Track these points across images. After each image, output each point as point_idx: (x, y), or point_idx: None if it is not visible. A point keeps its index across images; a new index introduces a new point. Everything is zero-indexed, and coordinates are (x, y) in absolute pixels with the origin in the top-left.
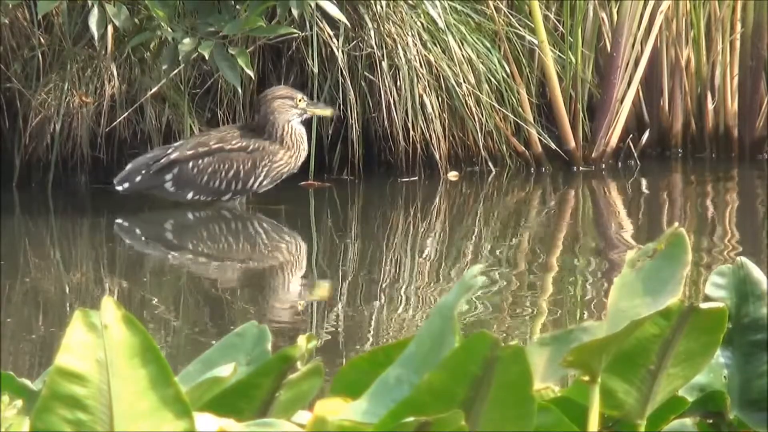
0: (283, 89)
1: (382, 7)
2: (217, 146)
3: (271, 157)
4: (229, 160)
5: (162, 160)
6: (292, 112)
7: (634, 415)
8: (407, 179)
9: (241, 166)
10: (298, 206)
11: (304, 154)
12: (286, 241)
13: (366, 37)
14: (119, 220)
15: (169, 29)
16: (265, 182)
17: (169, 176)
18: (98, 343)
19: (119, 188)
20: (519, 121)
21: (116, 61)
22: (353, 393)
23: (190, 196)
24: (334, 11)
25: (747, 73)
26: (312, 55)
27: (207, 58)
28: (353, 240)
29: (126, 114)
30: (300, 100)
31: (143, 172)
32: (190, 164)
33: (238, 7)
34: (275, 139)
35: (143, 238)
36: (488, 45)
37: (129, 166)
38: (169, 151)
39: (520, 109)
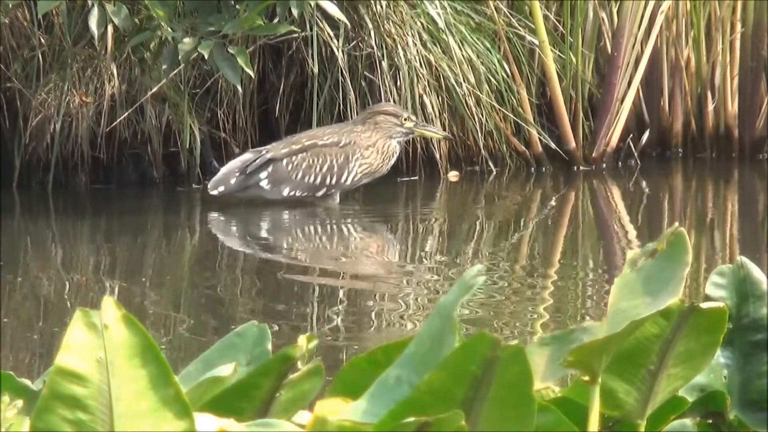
0: (390, 106)
1: (382, 7)
2: (310, 142)
3: (362, 152)
4: (323, 155)
5: (257, 161)
6: (396, 130)
7: (634, 415)
8: (407, 179)
9: (335, 160)
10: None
11: (385, 170)
12: (285, 240)
13: (366, 37)
14: (214, 214)
15: (169, 29)
16: (356, 178)
17: (264, 174)
18: (98, 343)
19: (214, 192)
20: (519, 121)
21: (116, 61)
22: (353, 393)
23: (285, 192)
24: (334, 11)
25: (747, 73)
26: (312, 55)
27: (207, 57)
28: (353, 240)
29: (126, 114)
30: (406, 119)
31: (237, 174)
32: (285, 161)
33: (237, 6)
34: (369, 142)
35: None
36: (488, 45)
37: (222, 171)
38: (264, 152)
39: (520, 109)
